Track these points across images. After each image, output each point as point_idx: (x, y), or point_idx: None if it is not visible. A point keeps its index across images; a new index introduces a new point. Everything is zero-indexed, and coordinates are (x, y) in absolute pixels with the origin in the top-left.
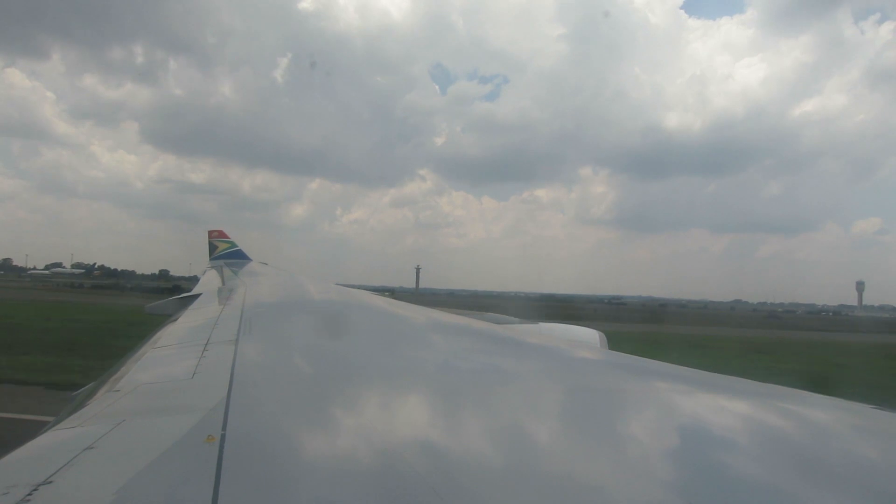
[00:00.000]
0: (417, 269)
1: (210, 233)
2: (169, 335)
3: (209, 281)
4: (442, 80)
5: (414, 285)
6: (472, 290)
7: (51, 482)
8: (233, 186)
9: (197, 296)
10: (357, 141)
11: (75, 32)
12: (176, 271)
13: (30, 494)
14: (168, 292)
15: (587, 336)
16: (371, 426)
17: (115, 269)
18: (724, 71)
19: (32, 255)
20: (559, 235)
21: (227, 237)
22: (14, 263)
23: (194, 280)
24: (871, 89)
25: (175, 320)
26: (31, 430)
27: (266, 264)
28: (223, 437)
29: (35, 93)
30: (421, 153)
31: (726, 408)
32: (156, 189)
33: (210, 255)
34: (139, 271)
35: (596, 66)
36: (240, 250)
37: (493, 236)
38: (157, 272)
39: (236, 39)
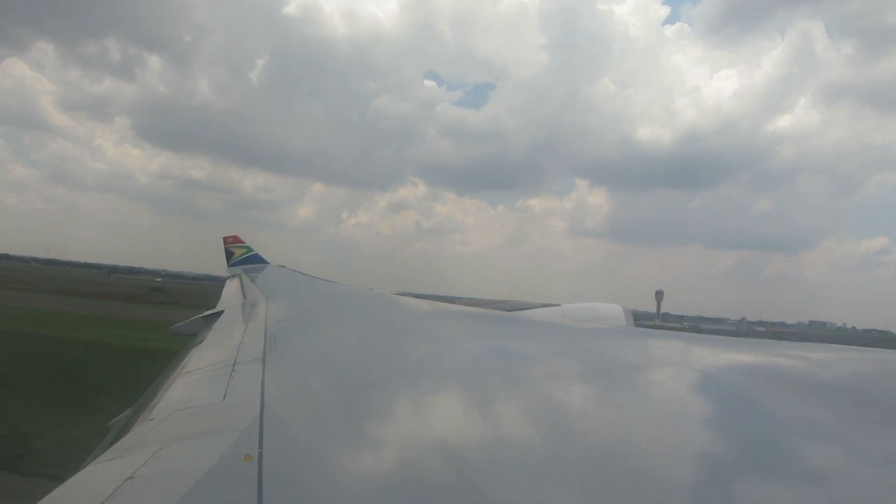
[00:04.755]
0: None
1: (225, 239)
2: (196, 358)
3: (230, 293)
4: (439, 86)
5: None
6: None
7: None
8: (234, 187)
9: (220, 313)
10: (345, 145)
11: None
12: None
13: None
14: None
15: (611, 312)
16: (406, 434)
17: None
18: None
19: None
20: (550, 245)
21: (243, 242)
22: None
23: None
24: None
25: (200, 342)
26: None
27: (284, 267)
28: (260, 456)
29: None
30: (407, 159)
31: (770, 372)
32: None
33: (227, 262)
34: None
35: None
36: (256, 254)
37: (486, 243)
38: None
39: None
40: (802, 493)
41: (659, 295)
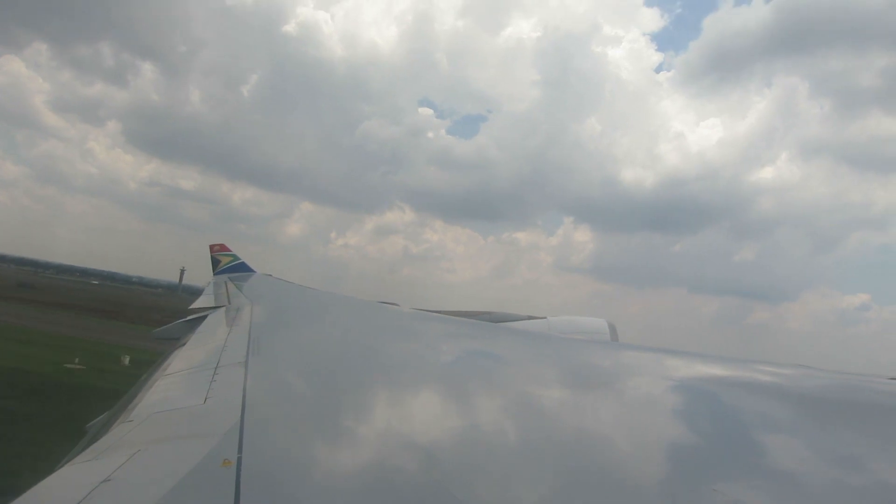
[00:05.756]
0: (182, 271)
1: (212, 247)
2: (178, 361)
3: (214, 299)
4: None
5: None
6: None
7: None
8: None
9: (204, 317)
10: (336, 167)
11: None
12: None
13: None
14: None
15: (596, 326)
16: (386, 440)
17: None
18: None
19: None
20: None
21: (229, 250)
22: None
23: None
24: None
25: (183, 345)
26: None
27: (270, 275)
28: (239, 461)
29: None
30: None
31: (751, 391)
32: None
33: (213, 270)
34: None
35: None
36: (243, 263)
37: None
38: None
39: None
40: (777, 499)
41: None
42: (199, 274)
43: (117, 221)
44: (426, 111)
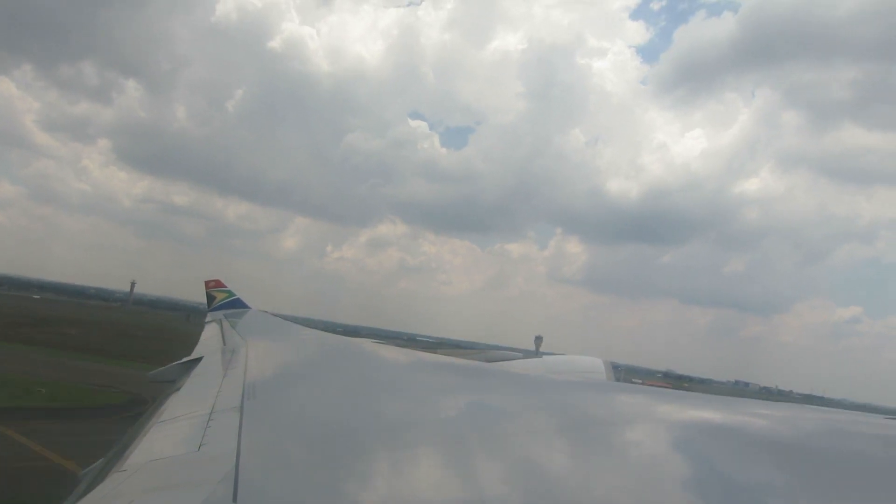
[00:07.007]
0: (132, 283)
1: (207, 283)
2: (173, 406)
3: (210, 339)
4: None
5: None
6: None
7: None
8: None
9: (199, 359)
10: (330, 181)
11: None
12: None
13: None
14: None
15: (592, 366)
16: (385, 492)
17: None
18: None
19: None
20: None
21: (225, 286)
22: None
23: None
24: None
25: (178, 389)
26: None
27: (265, 312)
28: None
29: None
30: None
31: (750, 433)
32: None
33: (209, 307)
34: None
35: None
36: (238, 299)
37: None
38: None
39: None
40: None
41: (538, 340)
42: (151, 284)
43: (115, 239)
44: (419, 123)
